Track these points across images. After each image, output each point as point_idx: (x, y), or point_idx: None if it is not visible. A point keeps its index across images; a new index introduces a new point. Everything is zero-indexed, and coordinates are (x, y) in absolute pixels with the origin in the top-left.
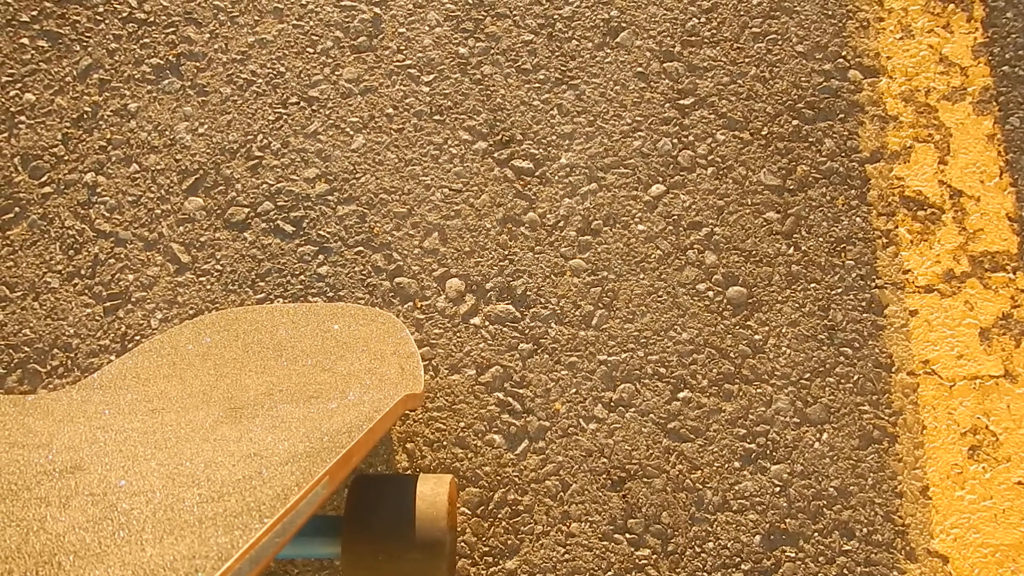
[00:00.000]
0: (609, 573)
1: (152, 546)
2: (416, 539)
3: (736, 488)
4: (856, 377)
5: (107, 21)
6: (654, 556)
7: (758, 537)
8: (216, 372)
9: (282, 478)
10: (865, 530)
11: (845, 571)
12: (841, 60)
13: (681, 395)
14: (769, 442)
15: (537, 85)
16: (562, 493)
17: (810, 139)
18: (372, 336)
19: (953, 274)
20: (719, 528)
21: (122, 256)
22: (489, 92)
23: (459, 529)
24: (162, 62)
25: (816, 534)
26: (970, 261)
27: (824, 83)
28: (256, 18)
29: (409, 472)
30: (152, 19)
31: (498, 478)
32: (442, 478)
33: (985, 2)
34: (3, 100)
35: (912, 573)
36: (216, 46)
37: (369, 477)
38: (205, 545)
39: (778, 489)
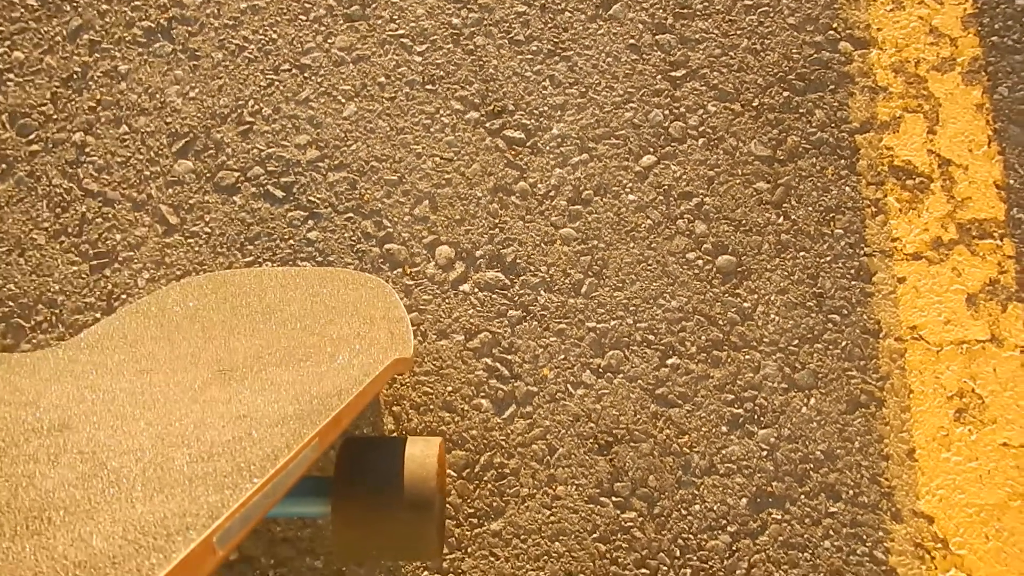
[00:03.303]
0: (595, 535)
1: (142, 503)
2: (405, 499)
3: (723, 452)
4: (844, 343)
5: None
6: (640, 519)
7: (744, 500)
8: (204, 334)
9: (272, 439)
10: (851, 492)
11: (831, 532)
12: (832, 32)
13: (670, 361)
14: (756, 407)
15: (529, 56)
16: (549, 457)
17: (800, 110)
18: (361, 300)
19: (941, 241)
20: (705, 491)
21: (110, 216)
22: (481, 63)
23: (446, 491)
24: (153, 25)
25: (802, 496)
26: (958, 228)
27: (815, 55)
28: None
29: (396, 435)
30: None
31: (485, 442)
32: (431, 440)
33: None
34: None
35: (897, 533)
36: (208, 11)
37: (358, 439)
38: (195, 504)
39: (765, 453)
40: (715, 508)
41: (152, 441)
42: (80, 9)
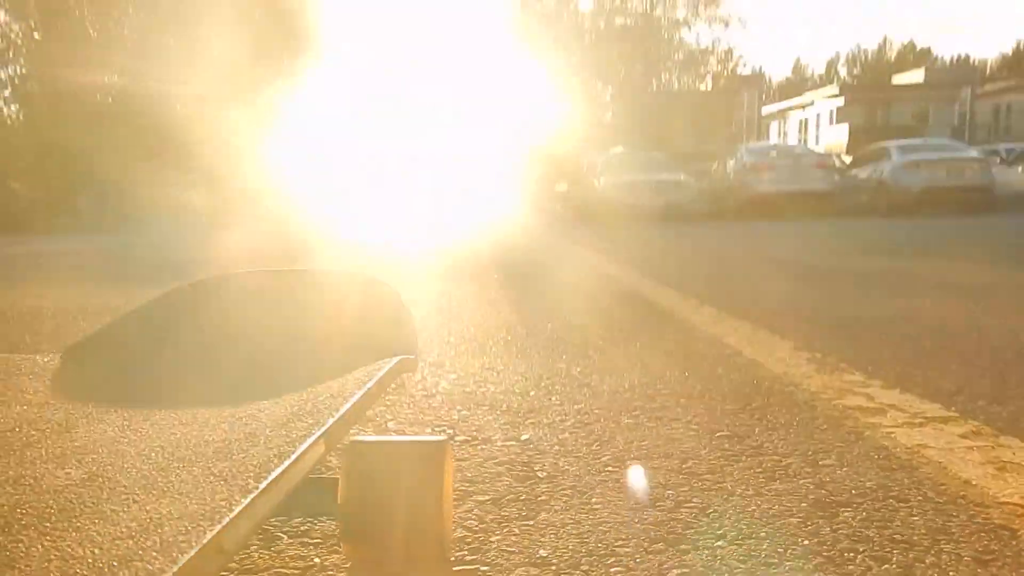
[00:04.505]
0: (648, 523)
1: (150, 504)
2: (409, 501)
3: (769, 487)
4: (856, 453)
5: None
6: (698, 523)
7: (805, 504)
8: (211, 335)
9: (277, 440)
10: (919, 498)
11: (914, 514)
12: (763, 383)
13: (686, 465)
14: (792, 472)
15: None
16: (578, 497)
17: (756, 397)
18: (368, 302)
19: (913, 423)
20: (761, 502)
21: None
22: None
23: (453, 493)
24: None
25: (867, 502)
26: (923, 419)
27: (760, 386)
28: None
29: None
30: None
31: (510, 494)
32: (439, 441)
33: None
34: None
35: (994, 511)
36: None
37: (365, 440)
38: (202, 504)
39: (812, 487)
40: (774, 509)
41: (160, 442)
42: None
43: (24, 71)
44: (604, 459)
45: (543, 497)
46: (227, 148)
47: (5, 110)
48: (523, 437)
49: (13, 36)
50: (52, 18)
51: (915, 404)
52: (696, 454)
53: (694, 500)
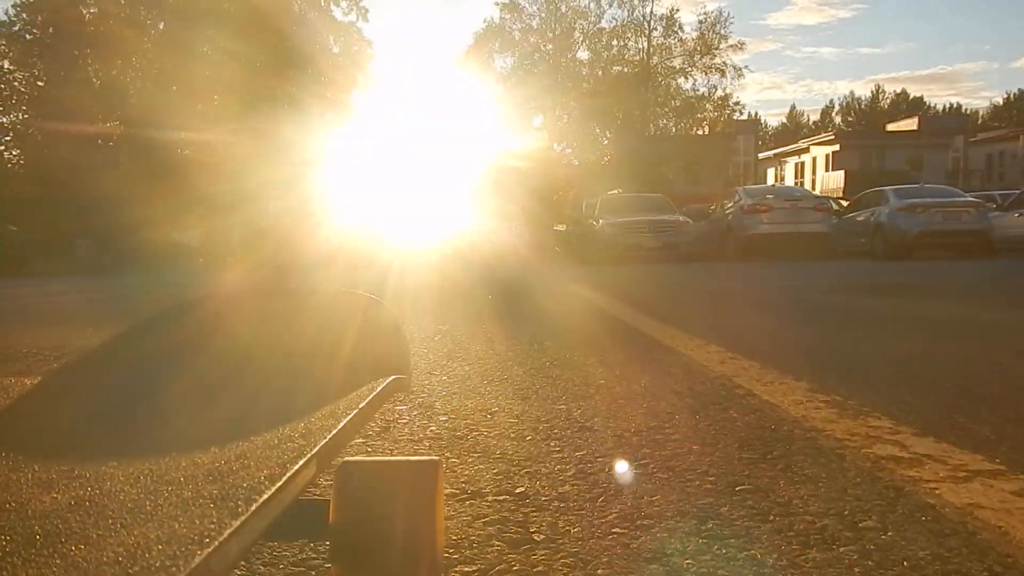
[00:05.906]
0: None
1: (138, 527)
2: (401, 523)
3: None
4: (900, 511)
5: None
6: None
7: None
8: (206, 354)
9: (268, 460)
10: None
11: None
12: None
13: (708, 525)
14: (829, 535)
15: None
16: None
17: (775, 442)
18: (364, 322)
19: (938, 474)
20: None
21: None
22: None
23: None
24: None
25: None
26: (947, 468)
27: (775, 431)
28: None
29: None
30: None
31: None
32: (430, 461)
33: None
34: None
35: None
36: None
37: (356, 461)
38: (192, 527)
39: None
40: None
41: (150, 464)
42: None
43: (26, 117)
44: (611, 518)
45: (540, 568)
46: (225, 192)
47: (6, 154)
48: (518, 490)
49: (17, 84)
50: (56, 66)
51: (954, 454)
52: (716, 512)
53: (719, 573)
